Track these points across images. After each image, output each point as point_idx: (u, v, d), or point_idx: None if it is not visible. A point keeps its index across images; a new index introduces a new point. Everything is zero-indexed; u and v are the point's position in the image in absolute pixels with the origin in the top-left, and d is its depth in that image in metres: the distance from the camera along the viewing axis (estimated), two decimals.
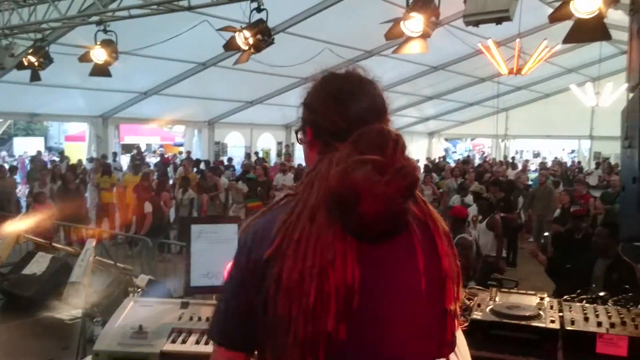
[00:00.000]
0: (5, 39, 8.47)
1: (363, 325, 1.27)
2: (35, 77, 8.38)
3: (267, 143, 21.40)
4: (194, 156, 17.88)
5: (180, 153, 21.54)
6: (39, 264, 5.97)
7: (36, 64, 8.13)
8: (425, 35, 5.72)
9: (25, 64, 8.21)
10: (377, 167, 1.25)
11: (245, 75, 13.18)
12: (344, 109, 1.38)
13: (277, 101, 17.11)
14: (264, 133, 20.79)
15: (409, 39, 5.78)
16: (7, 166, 14.09)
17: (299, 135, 1.50)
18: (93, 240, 2.52)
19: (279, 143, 21.12)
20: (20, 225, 2.68)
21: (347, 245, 1.25)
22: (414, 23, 5.61)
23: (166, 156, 20.72)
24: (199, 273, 2.65)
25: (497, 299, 3.34)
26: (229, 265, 1.43)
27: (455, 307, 1.41)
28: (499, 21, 5.10)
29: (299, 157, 20.63)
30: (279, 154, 20.69)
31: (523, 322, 2.95)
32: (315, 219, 1.27)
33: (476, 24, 5.19)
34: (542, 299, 3.33)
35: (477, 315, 3.07)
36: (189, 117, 18.08)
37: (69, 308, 6.03)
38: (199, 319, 2.53)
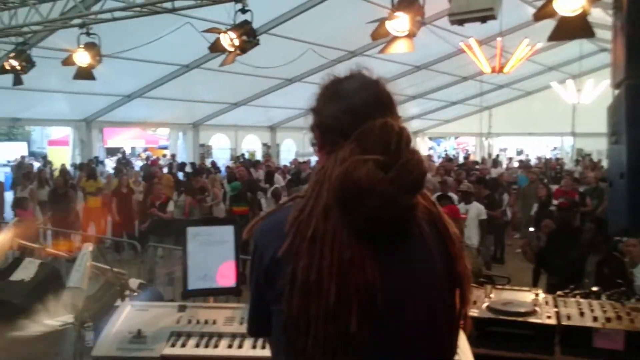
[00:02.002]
0: None
1: (387, 327, 1.25)
2: (17, 82, 8.25)
3: (253, 144, 21.35)
4: (179, 159, 17.77)
5: (164, 156, 21.40)
6: (27, 270, 5.88)
7: (18, 68, 8.00)
8: (411, 35, 5.73)
9: (7, 68, 8.07)
10: (380, 165, 1.23)
11: (229, 77, 13.12)
12: (346, 105, 1.36)
13: (262, 102, 17.07)
14: (248, 135, 20.73)
15: (394, 38, 5.79)
16: None
17: (312, 140, 1.49)
18: (90, 245, 2.48)
19: (265, 144, 21.08)
20: (9, 231, 2.63)
21: (363, 244, 1.23)
22: (400, 23, 5.63)
23: (153, 159, 20.56)
24: (196, 276, 2.62)
25: (492, 295, 3.37)
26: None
27: (467, 310, 1.41)
28: (483, 20, 5.13)
29: (284, 158, 20.66)
30: (264, 156, 20.66)
31: (520, 319, 2.98)
32: (329, 217, 1.24)
33: (461, 23, 5.21)
34: (536, 295, 3.36)
35: (473, 312, 3.08)
36: (173, 120, 17.97)
37: (58, 314, 5.97)
38: (197, 322, 2.50)
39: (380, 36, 5.84)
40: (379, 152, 1.25)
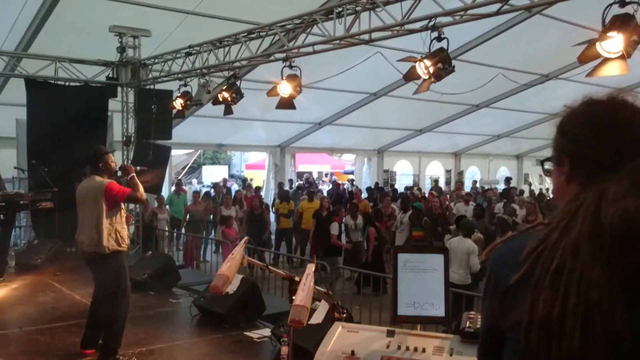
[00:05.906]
0: (203, 77, 9.36)
1: None
2: (228, 111, 9.08)
3: (436, 171, 21.20)
4: (364, 184, 18.19)
5: (350, 181, 22.10)
6: (231, 284, 6.43)
7: (229, 99, 8.83)
8: (625, 56, 5.29)
9: (220, 99, 8.94)
10: None
11: (414, 103, 13.23)
12: (616, 139, 1.26)
13: (447, 129, 16.92)
14: (432, 161, 20.64)
15: (605, 60, 5.39)
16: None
17: (546, 166, 1.43)
18: (312, 266, 2.65)
19: (448, 171, 20.82)
20: (241, 248, 2.91)
21: (614, 287, 1.14)
22: (613, 43, 5.22)
23: (337, 182, 21.35)
24: (405, 302, 2.66)
25: None
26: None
27: None
28: None
29: (468, 185, 20.11)
30: (447, 182, 20.39)
31: None
32: (579, 253, 1.17)
33: None
34: None
35: None
36: (359, 146, 18.57)
37: (257, 327, 6.41)
38: (407, 348, 2.53)
39: (589, 59, 5.47)
40: None
